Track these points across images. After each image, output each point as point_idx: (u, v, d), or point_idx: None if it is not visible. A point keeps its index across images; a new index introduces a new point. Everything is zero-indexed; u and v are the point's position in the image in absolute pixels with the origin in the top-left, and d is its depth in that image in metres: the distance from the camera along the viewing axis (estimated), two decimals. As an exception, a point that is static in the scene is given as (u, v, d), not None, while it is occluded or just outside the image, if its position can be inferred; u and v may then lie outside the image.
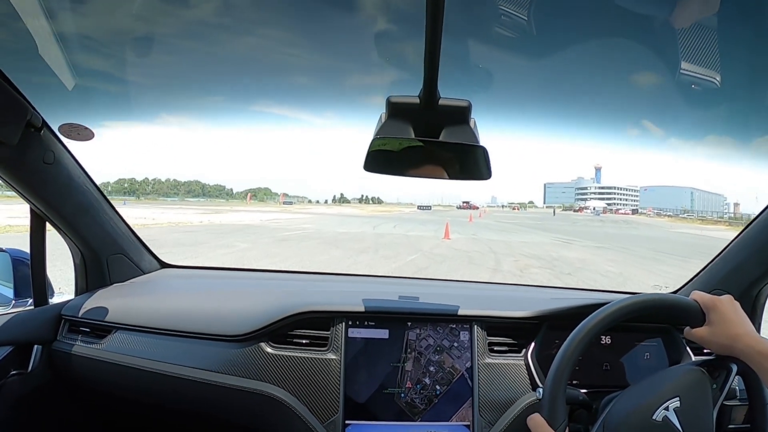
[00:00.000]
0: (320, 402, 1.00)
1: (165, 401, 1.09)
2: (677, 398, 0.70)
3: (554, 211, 43.61)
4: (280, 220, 22.57)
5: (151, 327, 1.08)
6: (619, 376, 1.05)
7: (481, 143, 0.73)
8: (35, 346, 1.09)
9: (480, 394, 1.01)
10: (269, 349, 1.02)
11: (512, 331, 1.07)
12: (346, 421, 0.99)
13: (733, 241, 1.15)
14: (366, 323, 1.05)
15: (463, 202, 67.49)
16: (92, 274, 1.23)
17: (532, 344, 1.05)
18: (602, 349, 1.06)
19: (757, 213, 1.09)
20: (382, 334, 1.04)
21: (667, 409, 0.69)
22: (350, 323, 1.04)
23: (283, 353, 1.02)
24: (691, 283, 1.27)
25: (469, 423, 1.01)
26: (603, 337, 1.06)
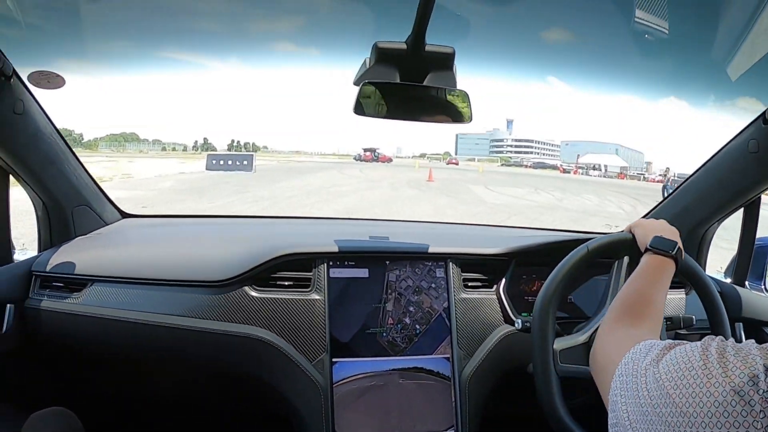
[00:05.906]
0: (307, 341, 1.03)
1: (151, 352, 1.08)
2: None
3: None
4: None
5: (129, 277, 1.06)
6: (582, 307, 1.16)
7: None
8: (8, 305, 1.03)
9: (458, 328, 1.09)
10: (253, 293, 1.04)
11: (484, 268, 1.14)
12: (333, 359, 1.03)
13: (680, 186, 1.26)
14: (346, 263, 1.09)
15: (366, 150, 34.21)
16: (57, 227, 1.18)
17: (503, 280, 1.13)
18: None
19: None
20: (363, 273, 1.09)
21: None
22: (331, 263, 1.07)
23: (267, 296, 1.04)
24: None
25: (448, 355, 1.08)
26: None
